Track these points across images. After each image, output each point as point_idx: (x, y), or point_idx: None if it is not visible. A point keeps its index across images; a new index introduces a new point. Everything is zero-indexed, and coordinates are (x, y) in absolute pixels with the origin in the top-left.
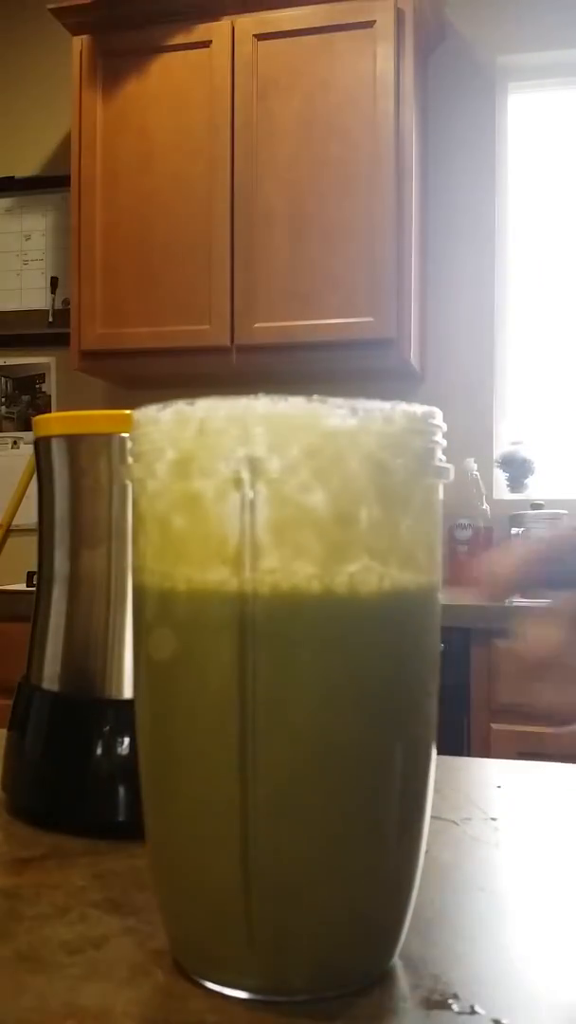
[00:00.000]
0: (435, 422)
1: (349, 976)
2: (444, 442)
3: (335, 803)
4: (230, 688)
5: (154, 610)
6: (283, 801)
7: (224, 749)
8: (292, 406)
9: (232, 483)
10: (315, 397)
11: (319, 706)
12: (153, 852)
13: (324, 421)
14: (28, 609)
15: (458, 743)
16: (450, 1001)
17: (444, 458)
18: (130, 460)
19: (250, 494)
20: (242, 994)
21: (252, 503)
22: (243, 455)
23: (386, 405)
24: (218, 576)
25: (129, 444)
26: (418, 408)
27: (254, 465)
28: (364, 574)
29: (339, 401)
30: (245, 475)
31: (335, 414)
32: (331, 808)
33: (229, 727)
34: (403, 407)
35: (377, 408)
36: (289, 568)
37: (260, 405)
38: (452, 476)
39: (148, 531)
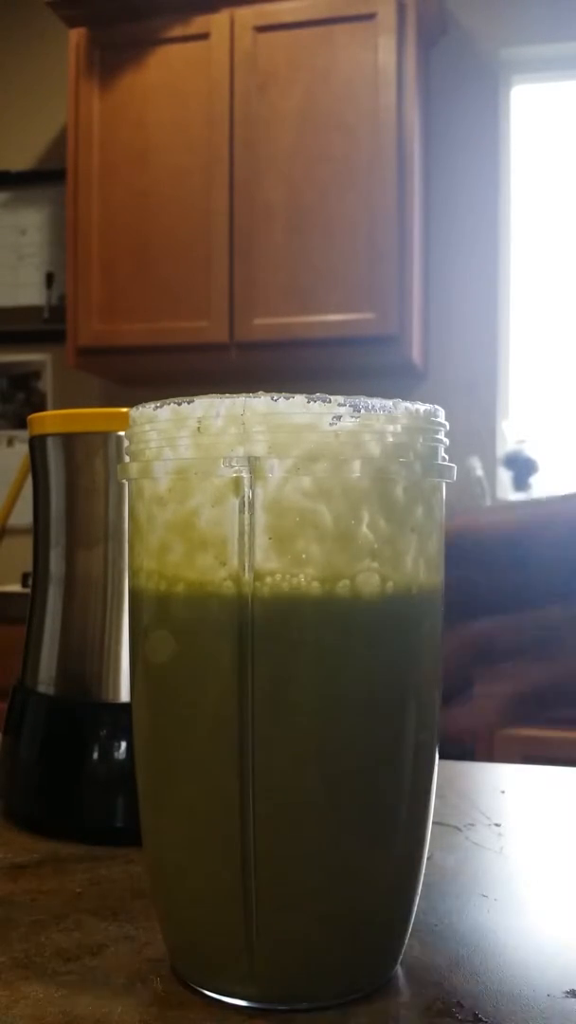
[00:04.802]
0: (438, 420)
1: (350, 984)
2: (447, 441)
3: (336, 808)
4: (230, 692)
5: (152, 613)
6: (283, 806)
7: (223, 753)
8: (293, 405)
9: (231, 484)
10: (316, 395)
11: (320, 710)
12: (150, 859)
13: (325, 420)
14: (23, 611)
15: (461, 747)
16: (453, 1009)
17: (447, 457)
18: (126, 459)
19: (249, 495)
20: (241, 1003)
21: (252, 504)
22: (242, 455)
23: (388, 403)
24: (217, 578)
25: (125, 443)
26: (421, 406)
27: (254, 465)
28: (366, 577)
29: (340, 399)
30: (244, 475)
31: (337, 413)
32: (332, 814)
33: (228, 732)
34: (406, 405)
35: (379, 407)
36: (289, 570)
37: (260, 403)
38: (455, 476)
39: (144, 533)
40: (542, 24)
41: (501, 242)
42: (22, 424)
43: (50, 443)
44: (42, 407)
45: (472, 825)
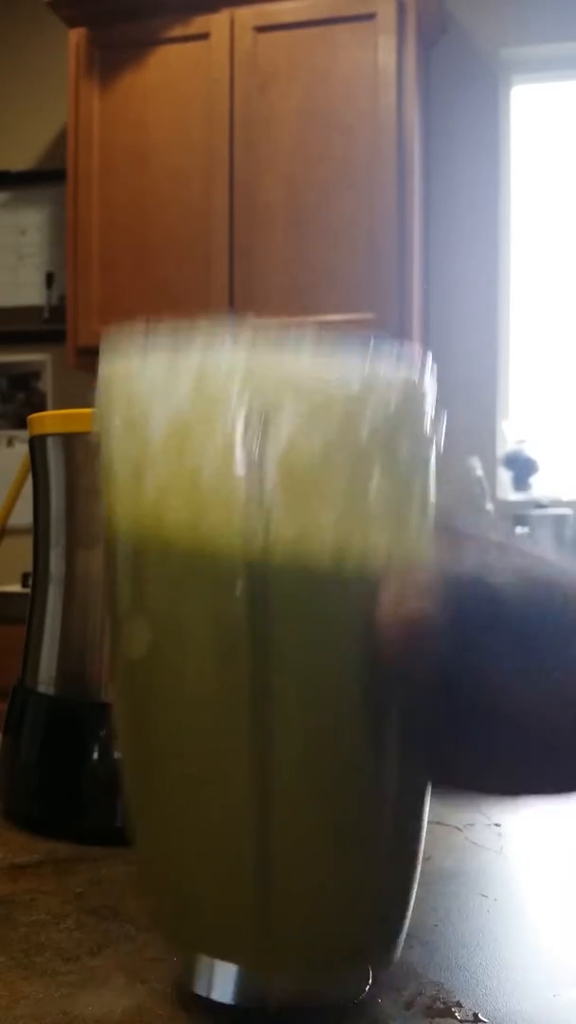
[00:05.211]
0: (429, 384)
1: (342, 989)
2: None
3: (346, 806)
4: (238, 662)
5: (143, 585)
6: (299, 792)
7: (233, 736)
8: (306, 360)
9: (234, 443)
10: (327, 348)
11: (330, 677)
12: (143, 860)
13: (339, 377)
14: (23, 611)
15: None
16: (453, 1009)
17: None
18: (102, 410)
19: (260, 453)
20: (238, 1003)
21: (262, 463)
22: (251, 409)
23: (395, 362)
24: (223, 542)
25: (100, 395)
26: (417, 370)
27: (264, 421)
28: (375, 545)
29: (353, 351)
30: (251, 435)
31: (350, 369)
32: (341, 812)
33: (238, 707)
34: (407, 366)
35: (389, 365)
36: (302, 533)
37: (271, 358)
38: (443, 437)
39: (131, 488)
40: (542, 24)
41: (501, 242)
42: (22, 424)
43: (50, 443)
44: (42, 407)
45: (472, 825)
